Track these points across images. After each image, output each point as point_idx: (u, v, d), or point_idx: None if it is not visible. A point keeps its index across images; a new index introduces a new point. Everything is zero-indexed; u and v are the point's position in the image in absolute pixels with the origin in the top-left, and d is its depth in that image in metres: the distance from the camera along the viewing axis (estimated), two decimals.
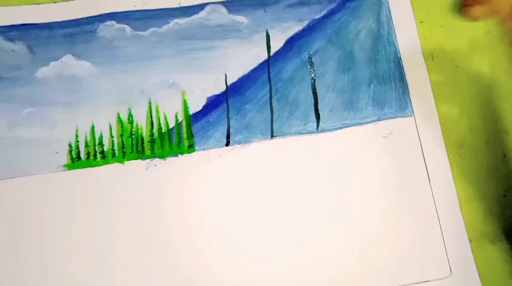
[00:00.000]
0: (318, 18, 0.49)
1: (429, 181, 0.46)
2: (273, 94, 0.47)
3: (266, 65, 0.47)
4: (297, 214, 0.45)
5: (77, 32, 0.47)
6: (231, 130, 0.46)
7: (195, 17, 0.48)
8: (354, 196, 0.45)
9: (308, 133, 0.46)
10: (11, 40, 0.46)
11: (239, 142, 0.46)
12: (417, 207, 0.45)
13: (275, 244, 0.44)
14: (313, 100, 0.47)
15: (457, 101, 0.48)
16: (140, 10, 0.48)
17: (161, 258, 0.43)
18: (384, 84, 0.47)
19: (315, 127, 0.46)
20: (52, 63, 0.46)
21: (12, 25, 0.46)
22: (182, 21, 0.48)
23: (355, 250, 0.44)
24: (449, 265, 0.44)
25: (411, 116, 0.47)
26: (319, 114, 0.47)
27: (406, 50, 0.48)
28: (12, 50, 0.46)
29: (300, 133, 0.46)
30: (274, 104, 0.47)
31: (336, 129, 0.46)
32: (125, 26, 0.47)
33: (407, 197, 0.45)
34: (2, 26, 0.46)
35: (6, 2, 0.47)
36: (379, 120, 0.47)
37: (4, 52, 0.46)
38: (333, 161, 0.46)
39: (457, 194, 0.45)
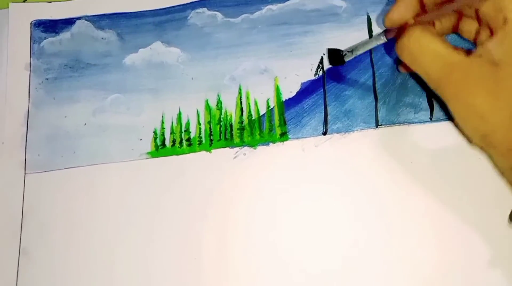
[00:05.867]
0: None
1: None
2: (376, 79, 0.42)
3: (368, 49, 0.42)
4: (408, 216, 0.38)
5: (167, 20, 0.45)
6: (328, 117, 0.41)
7: (289, 2, 0.45)
8: (479, 197, 0.37)
9: (420, 122, 0.40)
10: (101, 28, 0.45)
11: (338, 131, 0.40)
12: None
13: (382, 249, 0.37)
14: (424, 87, 0.41)
15: None
16: None
17: (241, 254, 0.37)
18: None
19: (428, 116, 0.40)
20: (141, 50, 0.44)
21: (104, 14, 0.46)
22: (275, 7, 0.45)
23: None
24: None
25: None
26: (432, 102, 0.40)
27: None
28: (102, 38, 0.45)
29: (410, 122, 0.40)
30: (378, 90, 0.41)
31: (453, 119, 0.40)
32: (217, 13, 0.45)
33: None
34: (94, 15, 0.46)
35: None
36: None
37: (94, 40, 0.45)
38: (450, 153, 0.39)
39: None
